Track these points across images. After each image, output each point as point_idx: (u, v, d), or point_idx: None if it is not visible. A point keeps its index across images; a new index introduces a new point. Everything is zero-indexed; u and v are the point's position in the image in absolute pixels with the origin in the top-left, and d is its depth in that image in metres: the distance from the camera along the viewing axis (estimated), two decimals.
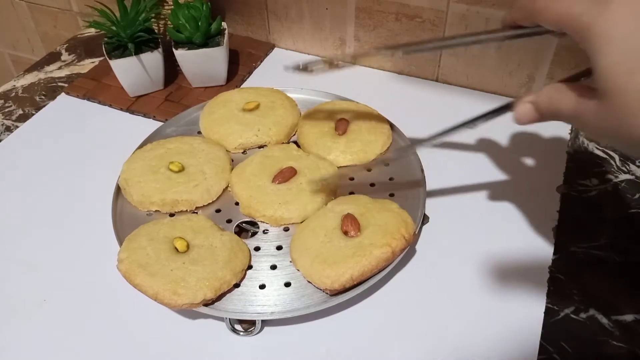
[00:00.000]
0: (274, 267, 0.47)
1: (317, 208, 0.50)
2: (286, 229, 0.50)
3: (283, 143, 0.59)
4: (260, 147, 0.58)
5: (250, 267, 0.47)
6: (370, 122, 0.58)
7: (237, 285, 0.46)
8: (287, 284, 0.46)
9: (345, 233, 0.47)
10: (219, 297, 0.45)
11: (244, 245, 0.48)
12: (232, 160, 0.57)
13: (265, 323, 0.46)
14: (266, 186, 0.52)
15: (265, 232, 0.50)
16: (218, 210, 0.52)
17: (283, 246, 0.49)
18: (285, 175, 0.52)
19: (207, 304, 0.44)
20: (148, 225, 0.49)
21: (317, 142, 0.57)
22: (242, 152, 0.58)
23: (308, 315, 0.45)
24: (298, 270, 0.46)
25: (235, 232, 0.50)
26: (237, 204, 0.52)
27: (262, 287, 0.46)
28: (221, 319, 0.46)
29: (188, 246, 0.47)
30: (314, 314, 0.45)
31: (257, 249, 0.49)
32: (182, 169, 0.54)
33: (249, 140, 0.58)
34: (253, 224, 0.51)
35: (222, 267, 0.45)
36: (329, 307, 0.45)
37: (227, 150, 0.57)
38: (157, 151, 0.56)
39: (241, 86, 0.71)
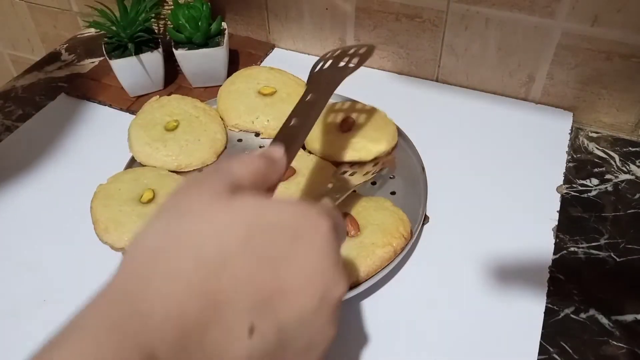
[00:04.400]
0: None
1: None
2: None
3: (252, 132, 0.60)
4: (256, 134, 0.60)
5: None
6: (375, 122, 0.58)
7: None
8: None
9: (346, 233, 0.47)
10: None
11: None
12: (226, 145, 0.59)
13: None
14: None
15: None
16: None
17: None
18: (284, 174, 0.52)
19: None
20: (145, 169, 0.54)
21: (320, 138, 0.57)
22: (237, 131, 0.61)
23: None
24: None
25: None
26: None
27: None
28: None
29: (152, 200, 0.50)
30: None
31: None
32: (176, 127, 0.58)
33: (245, 125, 0.60)
34: None
35: None
36: None
37: (225, 133, 0.60)
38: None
39: None
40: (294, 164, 0.53)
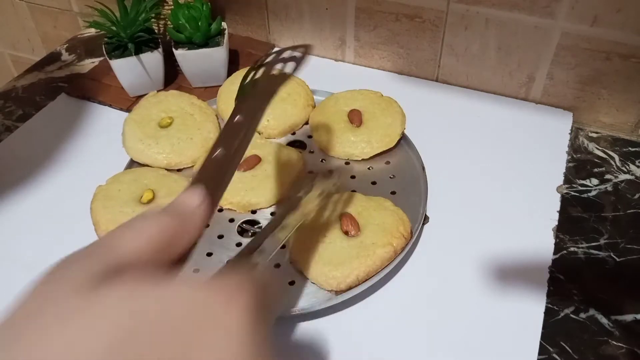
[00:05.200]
0: (277, 266, 0.47)
1: (283, 192, 0.52)
2: None
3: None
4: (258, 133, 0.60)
5: (210, 254, 0.48)
6: (380, 105, 0.59)
7: None
8: (292, 283, 0.46)
9: (346, 233, 0.47)
10: None
11: None
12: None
13: None
14: None
15: None
16: (220, 210, 0.53)
17: (286, 244, 0.49)
18: (250, 163, 0.53)
19: None
20: (144, 169, 0.54)
21: (340, 141, 0.57)
22: None
23: (310, 313, 0.45)
24: (301, 272, 0.46)
25: (238, 232, 0.50)
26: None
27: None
28: None
29: (152, 200, 0.50)
30: (316, 312, 0.45)
31: None
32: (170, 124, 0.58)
33: None
34: (254, 223, 0.51)
35: None
36: (331, 306, 0.45)
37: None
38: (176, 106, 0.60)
39: None
40: (258, 152, 0.54)
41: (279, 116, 0.60)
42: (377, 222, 0.47)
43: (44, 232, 0.55)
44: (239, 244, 0.49)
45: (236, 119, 0.34)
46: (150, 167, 0.56)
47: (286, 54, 0.40)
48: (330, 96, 0.62)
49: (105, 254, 0.20)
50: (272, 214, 0.52)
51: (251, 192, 0.51)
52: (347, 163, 0.57)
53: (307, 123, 0.61)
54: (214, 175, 0.28)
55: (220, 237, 0.50)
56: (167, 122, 0.58)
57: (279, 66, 0.40)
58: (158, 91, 0.62)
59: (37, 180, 0.60)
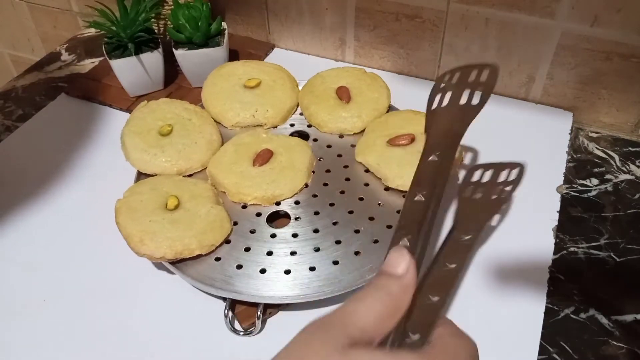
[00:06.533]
0: (317, 250, 0.48)
1: (303, 181, 0.53)
2: (317, 213, 0.51)
3: (254, 126, 0.61)
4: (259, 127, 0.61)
5: (248, 249, 0.49)
6: (365, 81, 0.62)
7: (200, 256, 0.48)
8: (312, 268, 0.47)
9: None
10: (180, 260, 0.48)
11: (227, 224, 0.50)
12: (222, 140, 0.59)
13: (265, 323, 0.46)
14: (248, 171, 0.53)
15: (297, 219, 0.51)
16: (244, 206, 0.53)
17: (319, 229, 0.50)
18: (264, 157, 0.54)
19: (172, 262, 0.47)
20: (159, 178, 0.53)
21: (332, 118, 0.59)
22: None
23: (305, 303, 0.46)
24: None
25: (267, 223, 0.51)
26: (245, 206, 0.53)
27: (312, 269, 0.47)
28: (222, 316, 0.46)
29: (178, 206, 0.49)
30: (316, 311, 0.45)
31: (295, 235, 0.50)
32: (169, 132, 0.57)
33: (246, 120, 0.60)
34: (279, 214, 0.52)
35: (192, 235, 0.47)
36: (330, 298, 0.45)
37: (219, 134, 0.59)
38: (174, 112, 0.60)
39: None
40: (268, 146, 0.55)
41: (275, 104, 0.60)
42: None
43: (44, 231, 0.55)
44: (273, 235, 0.50)
45: (430, 158, 0.34)
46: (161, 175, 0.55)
47: (472, 75, 0.39)
48: (315, 75, 0.64)
49: (346, 328, 0.26)
50: (296, 202, 0.52)
51: (273, 184, 0.52)
52: (340, 137, 0.59)
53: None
54: (417, 221, 0.29)
55: (253, 231, 0.50)
56: (167, 129, 0.57)
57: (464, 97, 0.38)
58: (148, 101, 0.61)
59: (37, 181, 0.60)
